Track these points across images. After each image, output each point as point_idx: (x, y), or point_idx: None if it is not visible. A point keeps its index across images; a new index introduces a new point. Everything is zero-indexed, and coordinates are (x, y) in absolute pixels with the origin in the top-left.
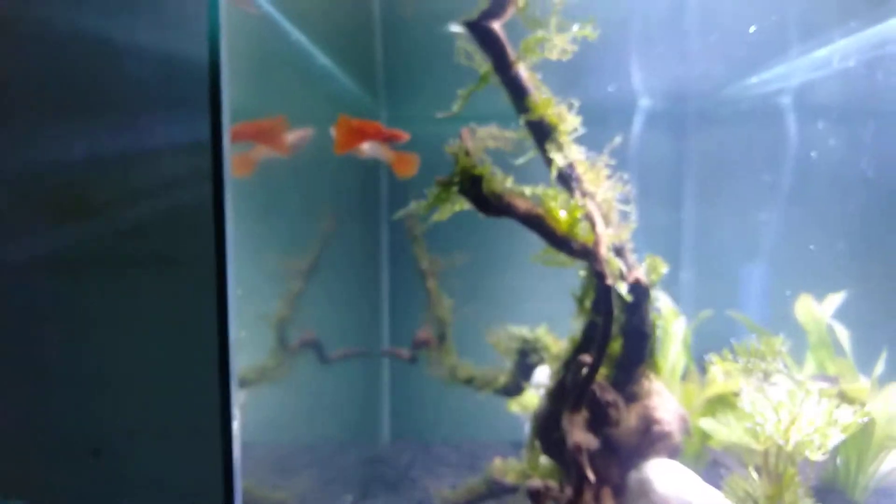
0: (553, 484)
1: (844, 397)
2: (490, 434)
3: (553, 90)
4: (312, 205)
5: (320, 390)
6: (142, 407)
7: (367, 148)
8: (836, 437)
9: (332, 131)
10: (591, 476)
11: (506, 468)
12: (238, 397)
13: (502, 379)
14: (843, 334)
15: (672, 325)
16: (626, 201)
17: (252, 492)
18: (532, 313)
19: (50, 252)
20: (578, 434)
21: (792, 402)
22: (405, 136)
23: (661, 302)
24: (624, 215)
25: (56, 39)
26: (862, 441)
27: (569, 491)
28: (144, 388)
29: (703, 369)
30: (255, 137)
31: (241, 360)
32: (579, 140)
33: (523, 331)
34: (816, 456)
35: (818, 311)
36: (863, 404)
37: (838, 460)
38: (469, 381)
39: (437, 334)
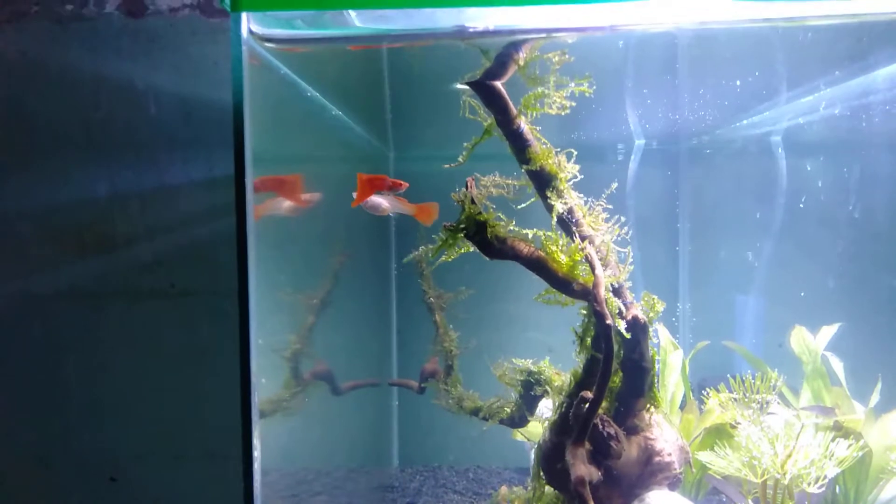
0: None
1: (840, 428)
2: (496, 461)
3: (552, 134)
4: (325, 242)
5: (331, 419)
6: (158, 435)
7: (387, 205)
8: (832, 471)
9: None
10: None
11: (512, 496)
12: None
13: (507, 410)
14: (837, 365)
15: (670, 357)
16: (623, 244)
17: None
18: (535, 343)
19: (72, 284)
20: (581, 467)
21: (788, 436)
22: (405, 185)
23: (660, 333)
24: (622, 257)
25: (80, 83)
26: (860, 471)
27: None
28: (160, 416)
29: (701, 399)
30: (276, 189)
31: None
32: (578, 182)
33: (527, 364)
34: (813, 489)
35: (812, 342)
36: (859, 435)
37: (837, 489)
38: (475, 412)
39: (444, 366)
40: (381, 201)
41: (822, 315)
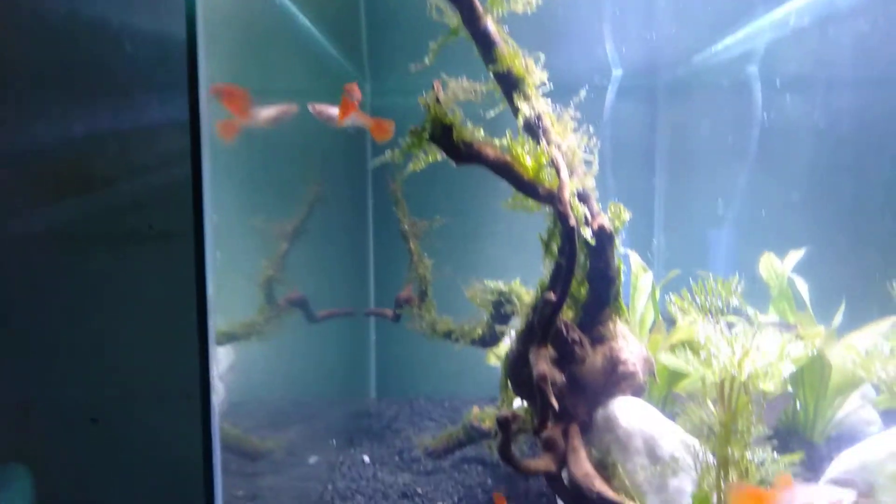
0: (520, 413)
1: (802, 339)
2: (472, 391)
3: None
4: (299, 170)
5: (308, 349)
6: (139, 377)
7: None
8: (787, 369)
9: (311, 108)
10: (554, 404)
11: (483, 415)
12: (228, 355)
13: (479, 330)
14: (802, 287)
15: (640, 280)
16: (590, 152)
17: (241, 442)
18: (509, 272)
19: (50, 226)
20: (543, 365)
21: (746, 336)
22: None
23: (631, 259)
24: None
25: (54, 23)
26: (819, 387)
27: (535, 420)
28: (142, 358)
29: (671, 324)
30: (223, 98)
31: (231, 316)
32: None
33: (498, 284)
34: (769, 386)
35: (779, 266)
36: (820, 350)
37: (798, 405)
38: (448, 335)
39: (418, 292)
40: (336, 111)
41: (792, 243)
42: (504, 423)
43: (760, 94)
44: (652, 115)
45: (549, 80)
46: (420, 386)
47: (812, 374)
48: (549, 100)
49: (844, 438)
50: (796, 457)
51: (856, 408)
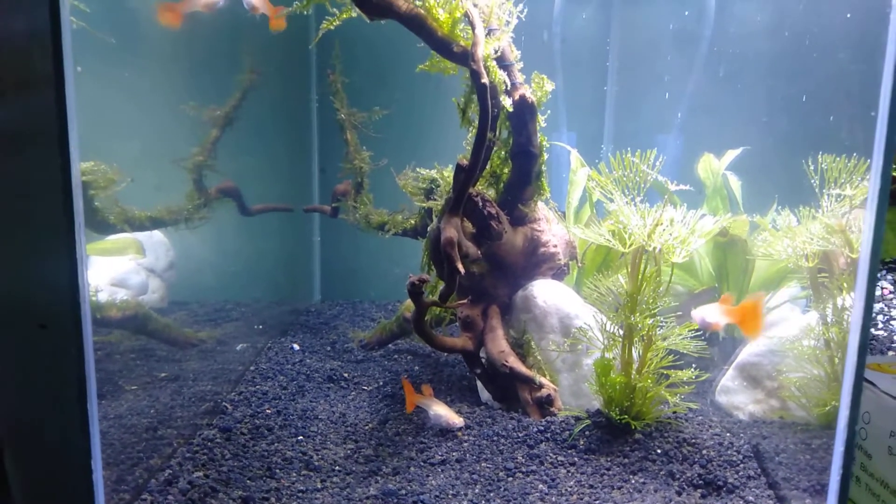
0: (427, 277)
1: (726, 235)
2: None
3: None
4: (233, 58)
5: (252, 252)
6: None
7: (258, 3)
8: (696, 243)
9: None
10: (460, 268)
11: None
12: (167, 253)
13: (412, 221)
14: (735, 184)
15: (576, 175)
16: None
17: (171, 332)
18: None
19: None
20: (451, 231)
21: (658, 210)
22: None
23: (572, 156)
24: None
25: None
26: (743, 281)
27: (443, 286)
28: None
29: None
30: None
31: (157, 201)
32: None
33: (430, 172)
34: (678, 258)
35: (716, 164)
36: (744, 242)
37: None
38: (381, 227)
39: (354, 185)
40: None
41: (735, 146)
42: (415, 290)
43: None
44: (605, 17)
45: None
46: (366, 290)
47: (735, 268)
48: None
49: (766, 331)
50: (695, 326)
51: (781, 304)
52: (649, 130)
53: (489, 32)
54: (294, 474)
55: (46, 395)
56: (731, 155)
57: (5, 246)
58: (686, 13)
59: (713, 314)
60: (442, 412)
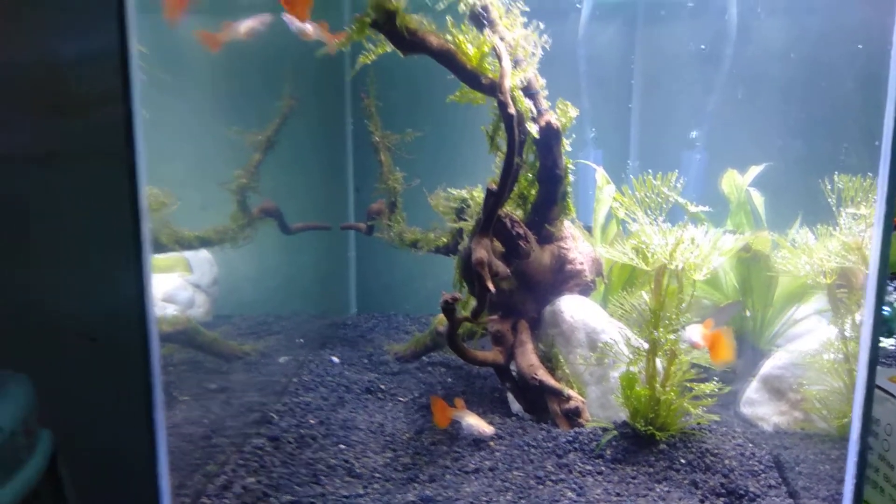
0: (459, 295)
1: (749, 250)
2: None
3: None
4: (272, 84)
5: (291, 267)
6: (130, 293)
7: (311, 31)
8: (717, 261)
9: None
10: (490, 287)
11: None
12: (211, 269)
13: (444, 239)
14: (758, 200)
15: (602, 192)
16: (535, 45)
17: (218, 345)
18: (476, 183)
19: (32, 144)
20: (481, 251)
21: (680, 230)
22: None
23: (598, 173)
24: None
25: None
26: (767, 295)
27: (474, 303)
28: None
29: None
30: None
31: (203, 222)
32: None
33: (461, 192)
34: (699, 276)
35: (739, 180)
36: (766, 258)
37: (748, 313)
38: (414, 244)
39: (388, 204)
40: (306, 27)
41: (758, 162)
42: (448, 307)
43: (735, 15)
44: (630, 35)
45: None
46: (400, 303)
47: (759, 282)
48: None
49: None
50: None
51: (806, 317)
52: (674, 146)
53: (515, 64)
54: (338, 481)
55: (107, 406)
56: (755, 171)
57: (75, 262)
58: (708, 32)
59: (696, 335)
60: (473, 422)
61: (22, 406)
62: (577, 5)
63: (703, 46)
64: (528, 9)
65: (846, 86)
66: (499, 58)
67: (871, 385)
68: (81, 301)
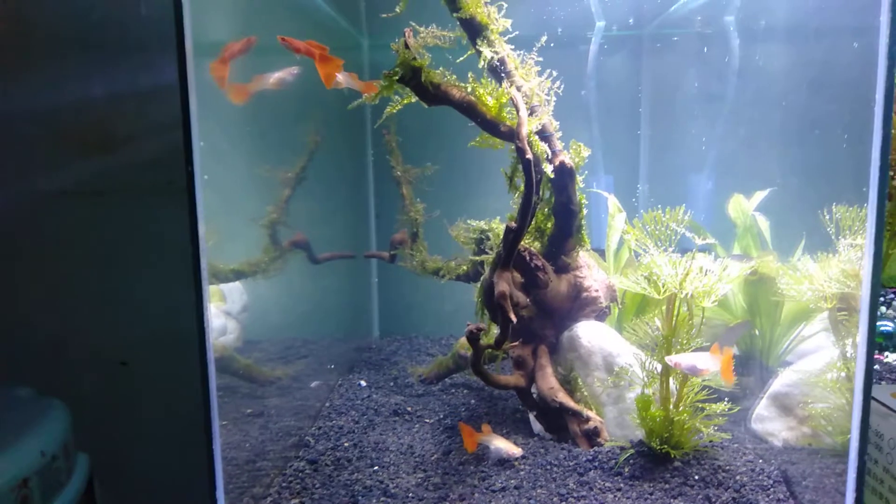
0: (484, 325)
1: (756, 273)
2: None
3: (515, 14)
4: (300, 123)
5: (315, 292)
6: (164, 322)
7: (341, 79)
8: (724, 289)
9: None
10: (512, 318)
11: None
12: (241, 297)
13: (464, 267)
14: (764, 224)
15: (614, 220)
16: (548, 93)
17: (252, 370)
18: (495, 214)
19: (77, 182)
20: (503, 285)
21: (688, 259)
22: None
23: (609, 201)
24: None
25: None
26: (774, 315)
27: (496, 330)
28: (165, 304)
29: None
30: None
31: (237, 255)
32: (541, 61)
33: (480, 223)
34: (708, 303)
35: (745, 204)
36: (773, 281)
37: (757, 332)
38: (436, 272)
39: (410, 234)
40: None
41: (764, 186)
42: (473, 336)
43: (737, 43)
44: (636, 66)
45: (544, 32)
46: (420, 326)
47: (766, 303)
48: (533, 49)
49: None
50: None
51: (813, 336)
52: (682, 170)
53: (531, 112)
54: (374, 500)
55: (155, 431)
56: (760, 196)
57: (135, 291)
58: (711, 62)
59: (698, 361)
60: (501, 445)
61: (61, 431)
62: (588, 34)
63: (697, 73)
64: (541, 58)
65: (845, 110)
66: (516, 108)
67: (867, 401)
68: (128, 330)
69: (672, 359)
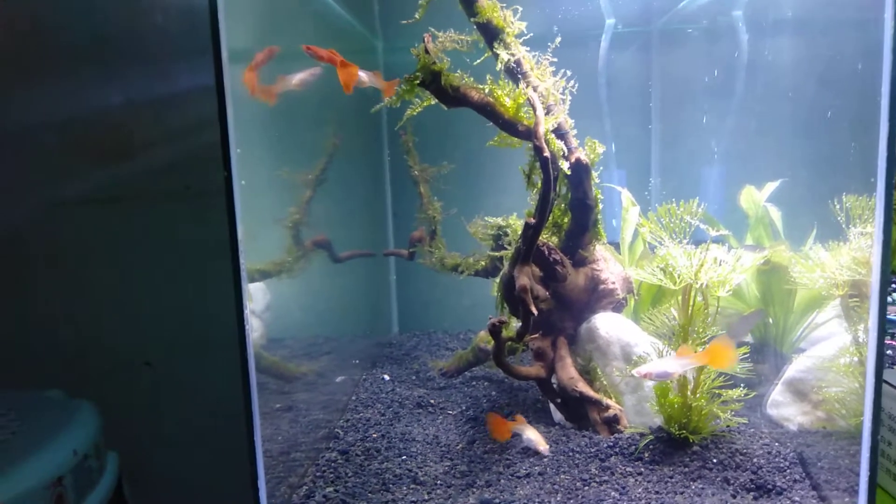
0: (505, 319)
1: (769, 262)
2: (486, 323)
3: (528, 15)
4: (319, 125)
5: (336, 290)
6: (186, 324)
7: (365, 78)
8: (738, 279)
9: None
10: (533, 311)
11: (489, 338)
12: (264, 296)
13: (482, 263)
14: (776, 214)
15: (628, 213)
16: (563, 92)
17: (279, 367)
18: (511, 210)
19: (95, 189)
20: (524, 279)
21: (703, 250)
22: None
23: (623, 195)
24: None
25: None
26: (787, 303)
27: (516, 323)
28: (185, 307)
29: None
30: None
31: (261, 256)
32: (555, 61)
33: (497, 220)
34: (723, 292)
35: (757, 195)
36: (785, 269)
37: (770, 320)
38: (455, 268)
39: (428, 232)
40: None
41: (775, 177)
42: (495, 329)
43: (745, 38)
44: (646, 61)
45: (553, 30)
46: (439, 321)
47: (779, 292)
48: (547, 50)
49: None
50: (744, 350)
51: (826, 322)
52: (693, 163)
53: (548, 111)
54: (405, 488)
55: (179, 429)
56: (771, 187)
57: (154, 294)
58: (720, 57)
59: (668, 366)
60: (534, 436)
61: (92, 431)
62: (598, 32)
63: (715, 73)
64: (556, 59)
65: (853, 104)
66: (533, 108)
67: (879, 384)
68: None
69: (641, 370)
